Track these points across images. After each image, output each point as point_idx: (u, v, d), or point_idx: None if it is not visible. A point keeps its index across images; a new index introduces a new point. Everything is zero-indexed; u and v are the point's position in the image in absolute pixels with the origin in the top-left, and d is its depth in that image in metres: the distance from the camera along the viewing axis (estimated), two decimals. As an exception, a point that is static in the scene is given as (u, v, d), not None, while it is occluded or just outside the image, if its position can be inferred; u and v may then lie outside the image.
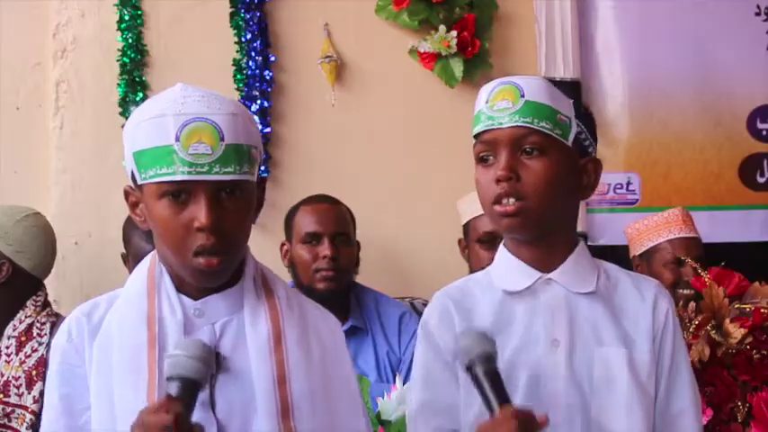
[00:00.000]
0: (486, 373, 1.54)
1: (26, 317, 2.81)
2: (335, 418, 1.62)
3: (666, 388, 1.75)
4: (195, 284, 1.59)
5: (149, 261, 1.65)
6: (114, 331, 1.58)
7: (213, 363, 1.52)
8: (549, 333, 1.72)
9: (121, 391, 1.54)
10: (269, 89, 3.55)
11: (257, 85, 3.54)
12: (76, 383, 1.59)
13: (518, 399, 1.68)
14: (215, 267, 1.54)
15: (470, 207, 3.04)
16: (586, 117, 1.80)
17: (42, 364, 2.75)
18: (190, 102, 1.54)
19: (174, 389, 1.45)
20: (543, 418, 1.52)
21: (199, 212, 1.52)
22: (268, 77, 3.54)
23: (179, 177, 1.51)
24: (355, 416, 1.68)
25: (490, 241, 2.94)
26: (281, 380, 1.57)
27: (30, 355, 2.77)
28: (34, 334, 2.80)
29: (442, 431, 1.74)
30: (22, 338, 2.79)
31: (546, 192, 1.70)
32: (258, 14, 3.55)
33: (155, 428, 1.41)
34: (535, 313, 1.74)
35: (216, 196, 1.53)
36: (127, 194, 1.63)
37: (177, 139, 1.50)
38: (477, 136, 1.76)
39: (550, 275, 1.75)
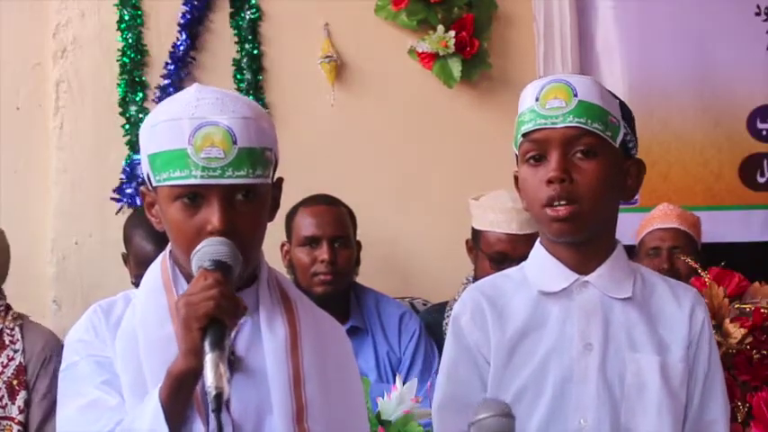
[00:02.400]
0: None
1: None
2: (346, 421, 1.63)
3: (701, 396, 1.74)
4: None
5: (161, 260, 1.64)
6: (138, 327, 1.57)
7: (239, 256, 1.51)
8: (583, 336, 1.71)
9: (155, 384, 1.51)
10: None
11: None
12: (113, 372, 1.57)
13: (547, 400, 1.69)
14: None
15: (485, 216, 2.99)
16: (628, 115, 1.76)
17: (22, 371, 2.69)
18: (203, 104, 1.54)
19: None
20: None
21: (212, 216, 1.52)
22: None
23: (192, 181, 1.51)
24: (362, 421, 1.70)
25: (500, 261, 2.90)
26: (296, 382, 1.56)
27: (7, 365, 2.69)
28: (6, 342, 2.72)
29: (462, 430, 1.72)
30: None
31: (598, 195, 1.68)
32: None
33: (199, 298, 1.43)
34: (569, 315, 1.72)
35: (229, 200, 1.53)
36: (143, 195, 1.64)
37: (190, 143, 1.50)
38: (525, 135, 1.72)
39: (587, 278, 1.74)
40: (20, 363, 2.70)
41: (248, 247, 1.56)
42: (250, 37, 3.56)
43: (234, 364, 1.56)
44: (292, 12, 3.60)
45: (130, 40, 3.51)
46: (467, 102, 3.64)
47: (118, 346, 1.57)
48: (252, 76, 3.56)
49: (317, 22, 3.60)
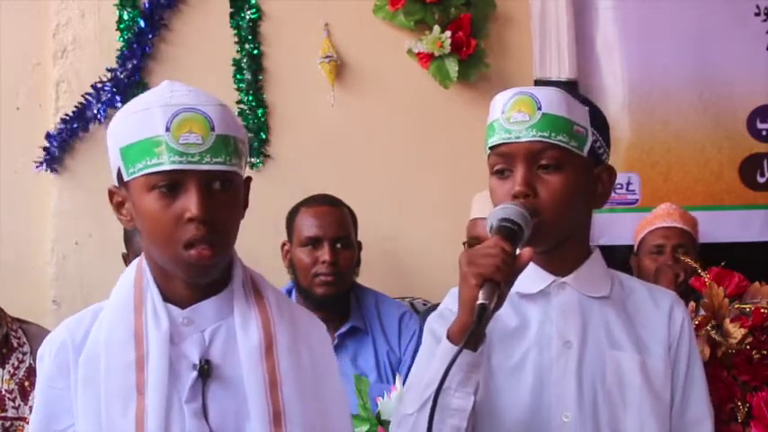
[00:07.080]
0: None
1: None
2: (326, 421, 1.61)
3: (683, 395, 1.74)
4: (186, 279, 1.57)
5: (135, 271, 1.62)
6: (101, 348, 1.56)
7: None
8: (562, 335, 1.71)
9: (110, 412, 1.52)
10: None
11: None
12: (55, 405, 1.58)
13: (528, 398, 1.68)
14: (207, 260, 1.52)
15: (484, 205, 3.01)
16: (599, 121, 1.76)
17: (33, 373, 2.71)
18: (177, 95, 1.53)
19: None
20: (526, 254, 1.57)
21: (190, 203, 1.50)
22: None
23: (169, 167, 1.49)
24: (342, 420, 1.68)
25: None
26: (272, 385, 1.55)
27: (18, 367, 2.71)
28: (14, 344, 2.74)
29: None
30: (3, 350, 2.73)
31: (562, 207, 1.68)
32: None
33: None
34: (548, 316, 1.73)
35: (207, 187, 1.52)
36: (111, 194, 1.61)
37: (167, 130, 1.49)
38: (492, 147, 1.73)
39: (564, 279, 1.74)
40: (30, 364, 2.72)
41: (224, 237, 1.55)
42: (250, 37, 3.57)
43: (209, 371, 1.56)
44: (292, 12, 3.61)
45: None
46: (465, 102, 3.64)
47: (81, 367, 1.57)
48: (252, 76, 3.56)
49: (317, 22, 3.60)
